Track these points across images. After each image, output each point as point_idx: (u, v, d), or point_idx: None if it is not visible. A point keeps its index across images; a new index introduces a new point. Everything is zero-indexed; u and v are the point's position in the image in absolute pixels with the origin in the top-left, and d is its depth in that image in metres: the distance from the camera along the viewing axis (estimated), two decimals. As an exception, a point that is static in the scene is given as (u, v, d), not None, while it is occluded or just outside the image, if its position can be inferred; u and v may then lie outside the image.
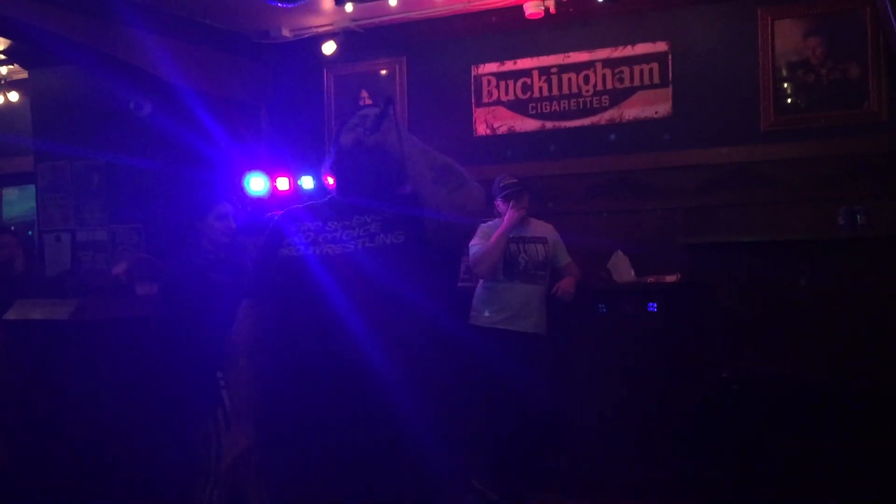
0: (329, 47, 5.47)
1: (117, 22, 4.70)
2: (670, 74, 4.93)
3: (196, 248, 3.62)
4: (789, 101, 4.70)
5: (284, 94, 5.83)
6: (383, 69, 5.65)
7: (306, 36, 5.53)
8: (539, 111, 5.23)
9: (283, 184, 5.05)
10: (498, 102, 5.33)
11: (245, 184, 4.87)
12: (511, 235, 4.54)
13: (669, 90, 4.93)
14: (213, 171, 4.92)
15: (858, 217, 4.34)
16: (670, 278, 4.68)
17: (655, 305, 4.53)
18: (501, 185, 4.52)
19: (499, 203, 4.53)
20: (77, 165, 5.86)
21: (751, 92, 4.74)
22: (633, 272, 4.80)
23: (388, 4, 5.03)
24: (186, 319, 3.48)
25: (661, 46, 4.95)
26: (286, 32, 5.51)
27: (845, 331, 4.29)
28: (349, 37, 5.47)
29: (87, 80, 5.60)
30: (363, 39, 5.52)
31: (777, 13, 4.69)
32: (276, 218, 2.35)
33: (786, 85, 4.71)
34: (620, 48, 5.04)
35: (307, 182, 5.20)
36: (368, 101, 5.66)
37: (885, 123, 4.48)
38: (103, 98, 5.57)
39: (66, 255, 5.62)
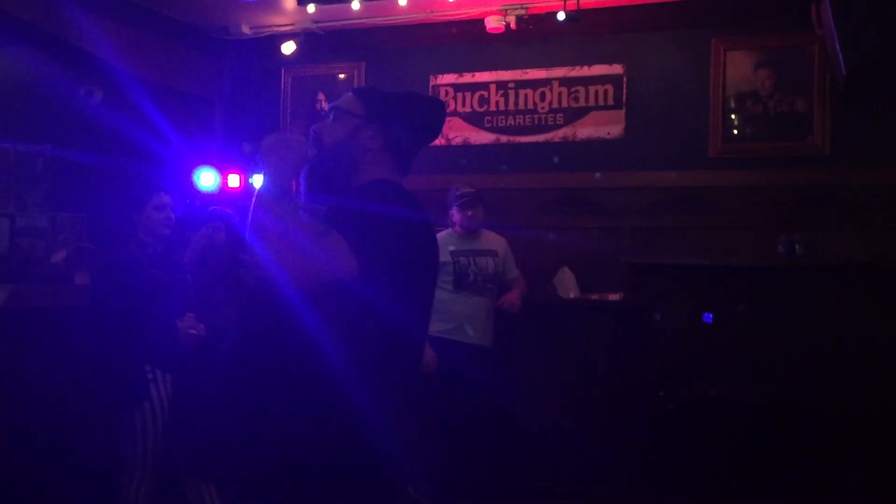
0: (288, 47, 5.43)
1: (62, 2, 4.59)
2: (624, 97, 5.03)
3: (135, 240, 3.56)
4: (737, 130, 4.84)
5: (240, 91, 5.77)
6: (342, 73, 5.64)
7: (266, 34, 5.49)
8: (494, 125, 5.28)
9: (234, 181, 4.99)
10: (454, 114, 5.36)
11: (195, 179, 4.79)
12: (462, 248, 4.57)
13: (623, 112, 5.03)
14: (161, 165, 4.83)
15: (797, 246, 4.48)
16: (614, 296, 4.76)
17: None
18: (457, 193, 4.54)
19: (454, 212, 4.56)
20: (19, 151, 5.69)
21: (701, 119, 4.86)
22: (577, 289, 4.86)
23: (351, 8, 5.03)
24: (120, 311, 3.42)
25: (616, 69, 5.05)
26: (245, 29, 5.46)
27: (781, 354, 4.41)
28: (309, 38, 5.45)
29: (33, 66, 5.45)
30: (323, 42, 5.50)
31: (730, 44, 4.83)
32: None
33: (734, 115, 4.85)
34: (577, 68, 5.12)
35: (259, 180, 5.14)
36: (325, 105, 5.65)
37: (826, 157, 4.64)
38: (49, 86, 5.43)
39: (5, 241, 5.45)
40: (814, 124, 4.67)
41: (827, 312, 4.37)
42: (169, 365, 3.50)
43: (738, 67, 4.81)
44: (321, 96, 5.66)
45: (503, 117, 5.27)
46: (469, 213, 4.54)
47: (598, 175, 5.00)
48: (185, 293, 3.62)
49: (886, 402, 4.12)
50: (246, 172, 5.10)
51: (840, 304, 4.34)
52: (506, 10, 4.99)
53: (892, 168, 4.51)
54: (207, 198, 4.73)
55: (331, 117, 2.08)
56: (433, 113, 2.16)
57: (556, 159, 5.11)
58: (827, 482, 4.03)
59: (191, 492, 3.68)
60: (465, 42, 5.32)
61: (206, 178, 4.82)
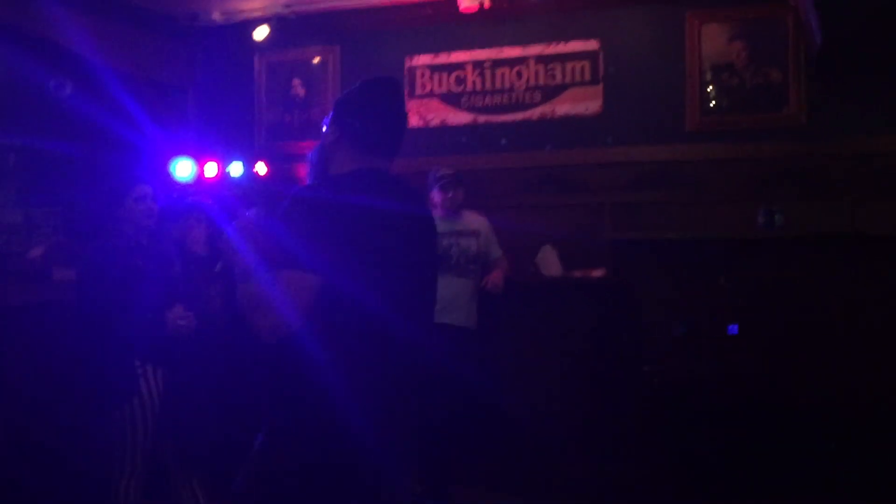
0: (261, 33, 5.37)
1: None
2: (601, 72, 5.01)
3: (118, 232, 3.52)
4: (713, 103, 4.84)
5: (213, 78, 5.72)
6: (316, 57, 5.58)
7: (237, 20, 5.43)
8: (472, 105, 5.25)
9: (210, 170, 4.94)
10: (431, 95, 5.33)
11: (171, 169, 4.74)
12: (444, 230, 4.56)
13: (600, 88, 5.02)
14: (137, 155, 4.78)
15: (776, 217, 4.50)
16: (597, 273, 4.77)
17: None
18: (437, 175, 4.53)
19: (434, 194, 4.54)
20: (-9, 145, 5.61)
21: (678, 93, 4.86)
22: (560, 267, 4.87)
23: (323, -9, 4.99)
24: (105, 306, 3.39)
25: (592, 45, 5.03)
26: (216, 16, 5.40)
27: (763, 327, 4.44)
28: (282, 23, 5.39)
29: (1, 57, 5.37)
30: (296, 26, 5.44)
31: (704, 17, 4.82)
32: None
33: (710, 87, 4.85)
34: (553, 45, 5.10)
35: (236, 169, 5.11)
36: (300, 90, 5.60)
37: (803, 127, 4.65)
38: (19, 77, 5.35)
39: (-21, 238, 5.38)
40: (789, 95, 4.68)
41: (807, 283, 4.40)
42: (159, 359, 3.48)
43: (713, 40, 4.81)
44: (296, 81, 5.61)
45: (480, 97, 5.24)
46: (450, 195, 4.53)
47: (577, 152, 5.00)
48: (172, 284, 3.60)
49: (868, 371, 4.17)
50: (223, 161, 5.06)
51: (821, 274, 4.37)
52: (479, -12, 4.96)
53: (868, 137, 4.53)
54: (184, 188, 4.68)
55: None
56: (381, 92, 2.22)
57: (542, 134, 5.11)
58: (811, 457, 4.07)
59: (181, 489, 3.67)
60: (440, 22, 5.28)
61: (183, 168, 4.77)
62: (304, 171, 5.52)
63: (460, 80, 5.28)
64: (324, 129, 2.21)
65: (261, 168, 5.28)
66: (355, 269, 1.93)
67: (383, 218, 2.04)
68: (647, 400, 4.44)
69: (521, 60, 5.16)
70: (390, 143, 2.18)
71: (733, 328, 4.40)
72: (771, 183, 4.67)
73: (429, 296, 2.24)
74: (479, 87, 5.24)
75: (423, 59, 5.35)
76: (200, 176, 4.90)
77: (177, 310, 3.50)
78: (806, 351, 4.32)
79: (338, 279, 1.90)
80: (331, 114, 2.20)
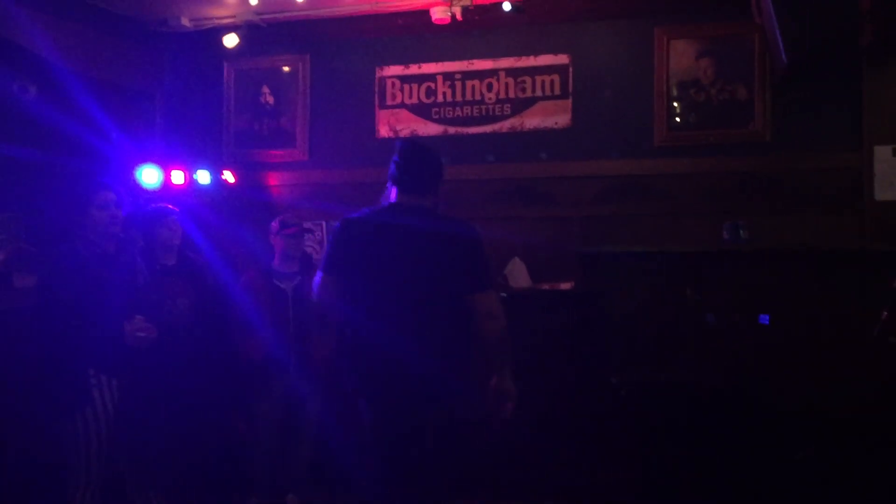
0: (230, 40, 5.33)
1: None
2: (570, 86, 5.05)
3: (82, 240, 3.45)
4: (680, 118, 4.90)
5: (181, 85, 5.66)
6: (286, 66, 5.56)
7: (207, 27, 5.38)
8: (442, 116, 5.26)
9: (177, 177, 4.90)
10: (401, 105, 5.33)
11: (137, 176, 4.69)
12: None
13: (569, 102, 5.06)
14: (102, 162, 4.71)
15: (741, 231, 4.57)
16: (565, 285, 4.79)
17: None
18: None
19: None
20: (-49, 150, 5.49)
21: (646, 107, 4.92)
22: (529, 279, 4.88)
23: (294, 0, 4.96)
24: (64, 314, 3.32)
25: (562, 59, 5.07)
26: (185, 22, 5.34)
27: (728, 338, 4.49)
28: (252, 30, 5.36)
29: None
30: (266, 34, 5.41)
31: (672, 33, 4.89)
32: None
33: (677, 103, 4.91)
34: (524, 58, 5.13)
35: (203, 176, 5.06)
36: (270, 98, 5.57)
37: (768, 143, 4.73)
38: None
39: (-63, 244, 5.26)
40: (755, 111, 4.75)
41: (771, 295, 4.46)
42: (115, 369, 3.41)
43: (681, 56, 4.87)
44: (265, 89, 5.57)
45: (450, 109, 5.25)
46: None
47: (547, 165, 5.03)
48: (136, 294, 3.54)
49: (830, 380, 4.23)
50: (190, 168, 5.01)
51: (784, 287, 4.43)
52: (451, 0, 4.97)
53: (832, 153, 4.62)
54: (151, 195, 4.63)
55: None
56: (415, 150, 3.16)
57: (511, 147, 5.13)
58: (775, 466, 4.12)
59: (137, 501, 3.61)
60: (411, 33, 5.29)
61: (149, 176, 4.72)
62: (273, 180, 5.50)
63: (431, 92, 5.29)
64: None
65: (229, 176, 5.24)
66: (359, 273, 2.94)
67: (398, 234, 2.97)
68: (614, 411, 4.46)
69: (492, 73, 5.19)
70: (424, 185, 3.09)
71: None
72: (736, 197, 4.74)
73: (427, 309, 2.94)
74: (449, 98, 5.25)
75: (393, 70, 5.35)
76: (167, 183, 4.85)
77: (136, 321, 3.42)
78: (771, 360, 4.37)
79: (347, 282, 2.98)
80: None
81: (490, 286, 3.01)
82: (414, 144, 3.18)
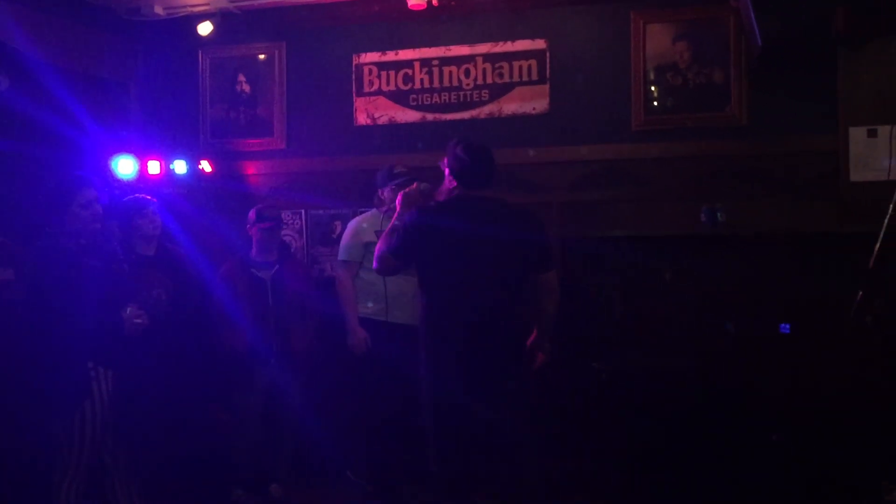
0: (205, 28, 5.28)
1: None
2: (548, 72, 5.05)
3: (63, 234, 3.44)
4: (657, 102, 4.91)
5: (156, 74, 5.60)
6: (262, 54, 5.51)
7: (180, 14, 5.32)
8: (420, 103, 5.24)
9: (154, 167, 4.85)
10: (379, 92, 5.30)
11: (113, 166, 4.64)
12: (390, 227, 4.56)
13: (547, 87, 5.05)
14: (77, 153, 4.66)
15: (719, 215, 4.59)
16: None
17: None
18: (394, 172, 4.50)
19: (386, 192, 4.50)
20: (-78, 142, 5.41)
21: (623, 92, 4.92)
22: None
23: (269, -13, 4.92)
24: (47, 306, 3.31)
25: (539, 44, 5.07)
26: (159, 10, 5.27)
27: (707, 322, 4.53)
28: (226, 18, 5.30)
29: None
30: (241, 22, 5.36)
31: (648, 17, 4.89)
32: None
33: (654, 87, 4.92)
34: (500, 44, 5.12)
35: (180, 166, 5.02)
36: (246, 86, 5.52)
37: (745, 127, 4.75)
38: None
39: None
40: (731, 95, 4.77)
41: (749, 279, 4.49)
42: (110, 361, 3.42)
43: (657, 40, 4.88)
44: (241, 78, 5.53)
45: (428, 95, 5.24)
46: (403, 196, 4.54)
47: (531, 153, 5.03)
48: (121, 282, 3.54)
49: (808, 365, 4.27)
50: (166, 158, 4.96)
51: (762, 270, 4.47)
52: (427, -14, 4.95)
53: (808, 136, 4.65)
54: (127, 186, 4.59)
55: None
56: (482, 158, 3.53)
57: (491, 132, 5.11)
58: (752, 449, 4.16)
59: (118, 492, 3.60)
60: (388, 19, 5.26)
61: (125, 166, 4.67)
62: (251, 169, 5.47)
63: (408, 79, 5.27)
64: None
65: (206, 166, 5.20)
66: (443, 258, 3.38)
67: (477, 220, 3.38)
68: (595, 395, 4.48)
69: (469, 59, 5.17)
70: (487, 180, 3.50)
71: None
72: (714, 181, 4.76)
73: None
74: (427, 85, 5.23)
75: (370, 57, 5.32)
76: (143, 174, 4.81)
77: (132, 309, 3.45)
78: (747, 346, 4.41)
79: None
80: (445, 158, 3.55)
81: (553, 266, 3.56)
82: (479, 146, 3.53)
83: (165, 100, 5.56)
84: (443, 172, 3.59)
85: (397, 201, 3.67)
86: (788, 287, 4.42)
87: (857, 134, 4.50)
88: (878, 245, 3.47)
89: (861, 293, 3.48)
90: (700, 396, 4.29)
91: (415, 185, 3.72)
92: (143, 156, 4.82)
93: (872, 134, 4.47)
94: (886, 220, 3.47)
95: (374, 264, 3.58)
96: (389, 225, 3.64)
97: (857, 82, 4.51)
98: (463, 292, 3.37)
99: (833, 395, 4.17)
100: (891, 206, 3.47)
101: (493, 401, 3.36)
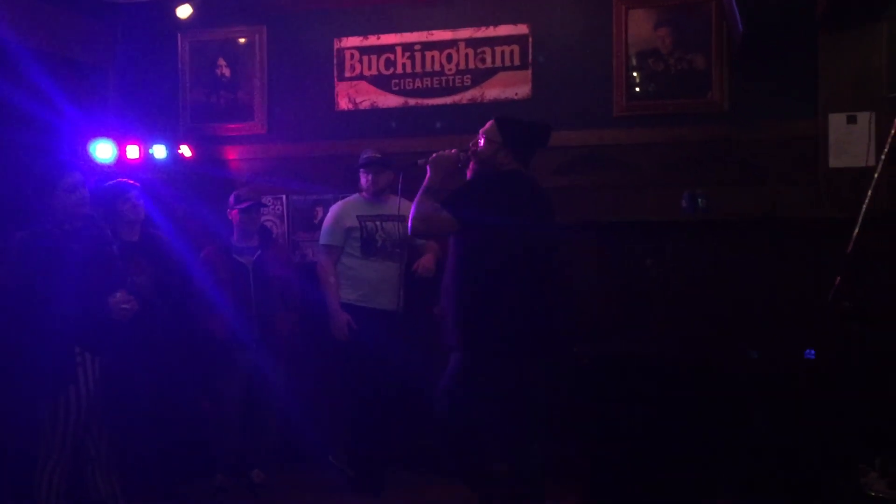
0: (184, 11, 5.21)
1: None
2: (530, 57, 5.04)
3: (48, 219, 3.42)
4: (639, 88, 4.92)
5: (135, 58, 5.53)
6: (242, 37, 5.46)
7: (160, -3, 5.26)
8: (402, 88, 5.22)
9: (132, 152, 4.80)
10: (361, 77, 5.27)
11: (91, 150, 4.59)
12: (369, 213, 4.55)
13: (529, 73, 5.05)
14: (55, 137, 4.60)
15: (700, 201, 4.61)
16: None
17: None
18: (364, 158, 4.55)
19: (360, 176, 4.56)
20: None
21: (605, 78, 4.92)
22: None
23: (249, -31, 4.87)
24: (36, 292, 3.29)
25: (522, 29, 5.05)
26: (138, -8, 5.22)
27: (687, 307, 4.55)
28: (206, 1, 5.25)
29: None
30: (221, 5, 5.31)
31: (631, 2, 4.88)
32: None
33: (636, 73, 4.92)
34: (483, 28, 5.10)
35: (159, 151, 4.97)
36: (226, 70, 5.47)
37: (726, 113, 4.76)
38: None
39: None
40: (713, 81, 4.78)
41: (730, 264, 4.52)
42: (98, 346, 3.40)
43: (640, 26, 4.88)
44: (222, 62, 5.48)
45: (410, 80, 5.21)
46: (371, 178, 4.54)
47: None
48: (111, 269, 3.52)
49: (787, 349, 4.30)
50: (145, 143, 4.92)
51: (743, 256, 4.49)
52: (409, -30, 4.92)
53: (789, 122, 4.67)
54: (105, 170, 4.54)
55: (481, 141, 3.60)
56: (544, 134, 3.70)
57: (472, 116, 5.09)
58: (732, 437, 4.19)
59: (99, 478, 3.59)
60: (369, 4, 5.23)
61: (103, 150, 4.62)
62: (232, 154, 5.42)
63: (390, 63, 5.24)
64: (491, 143, 3.58)
65: (186, 150, 5.15)
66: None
67: (519, 205, 3.43)
68: (576, 380, 4.50)
69: (452, 44, 5.15)
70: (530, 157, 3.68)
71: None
72: (696, 167, 4.77)
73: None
74: (409, 69, 5.21)
75: (352, 41, 5.29)
76: (122, 158, 4.76)
77: (120, 295, 3.42)
78: (730, 331, 4.44)
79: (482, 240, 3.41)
80: (498, 133, 3.61)
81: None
82: (542, 125, 3.72)
83: (144, 84, 5.50)
84: (473, 151, 3.61)
85: (429, 163, 3.64)
86: (769, 272, 4.45)
87: (836, 120, 4.53)
88: (856, 231, 3.51)
89: (839, 278, 3.52)
90: (680, 382, 4.31)
91: (454, 150, 3.67)
92: (121, 140, 4.77)
93: (852, 120, 4.50)
94: (864, 207, 3.51)
95: (414, 225, 3.53)
96: (423, 187, 3.59)
97: (837, 68, 4.53)
98: (536, 284, 3.43)
99: (810, 378, 4.21)
100: (869, 191, 3.52)
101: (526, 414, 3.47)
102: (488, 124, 3.65)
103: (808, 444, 4.13)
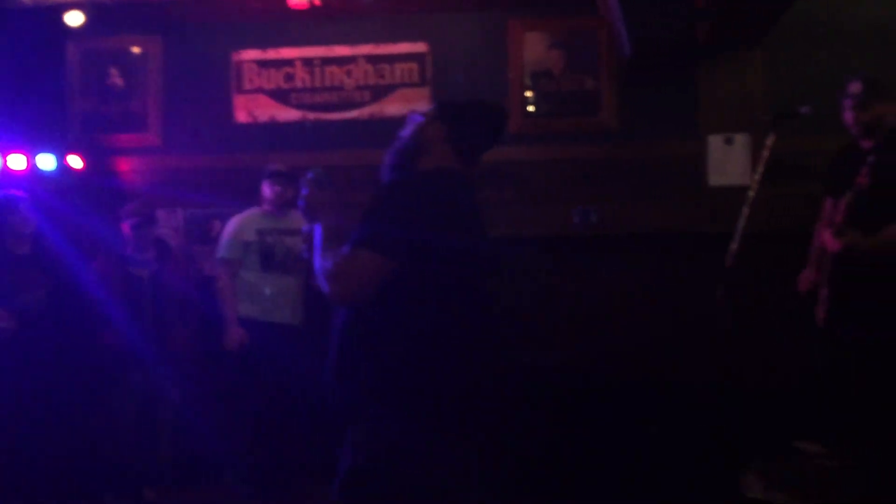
0: (74, 18, 5.05)
1: None
2: (429, 75, 5.14)
3: None
4: (533, 107, 5.09)
5: (20, 65, 5.31)
6: (136, 47, 5.34)
7: (48, 3, 5.08)
8: (301, 102, 5.22)
9: (17, 162, 4.63)
10: (259, 90, 5.25)
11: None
12: (269, 227, 4.54)
13: (428, 90, 5.14)
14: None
15: (591, 216, 4.81)
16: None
17: None
18: (270, 170, 4.53)
19: (264, 188, 4.52)
20: None
21: (501, 96, 5.05)
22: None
23: (144, -22, 4.78)
24: None
25: (420, 47, 5.15)
26: (25, -3, 5.03)
27: (581, 319, 4.72)
28: (98, 9, 5.10)
29: None
30: (114, 13, 5.17)
31: (526, 25, 5.06)
32: None
33: (530, 92, 5.09)
34: (382, 45, 5.17)
35: (46, 161, 4.80)
36: (119, 80, 5.34)
37: (615, 132, 4.99)
38: None
39: None
40: (602, 102, 5.00)
41: (620, 276, 4.72)
42: None
43: (534, 47, 5.06)
44: (114, 71, 5.34)
45: (310, 94, 5.22)
46: (279, 191, 4.52)
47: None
48: None
49: (684, 358, 4.50)
50: (31, 153, 4.74)
51: (632, 269, 4.70)
52: (309, -14, 4.94)
53: (673, 142, 4.93)
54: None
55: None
56: (497, 116, 2.51)
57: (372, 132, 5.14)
58: (617, 442, 4.33)
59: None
60: (269, 18, 5.21)
61: (-14, 160, 4.44)
62: (125, 165, 5.29)
63: (289, 77, 5.24)
64: (416, 124, 2.42)
65: (75, 161, 4.99)
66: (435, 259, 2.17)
67: (462, 215, 2.32)
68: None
69: (351, 59, 5.19)
70: (478, 154, 2.44)
71: None
72: (588, 184, 4.97)
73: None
74: (308, 84, 5.22)
75: (251, 54, 5.26)
76: (5, 168, 4.58)
77: None
78: (617, 337, 4.62)
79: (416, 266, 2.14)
80: (436, 109, 2.43)
81: None
82: (496, 108, 2.55)
83: (30, 91, 5.29)
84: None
85: (301, 210, 2.40)
86: (659, 285, 4.66)
87: (714, 141, 4.82)
88: (734, 245, 3.73)
89: (721, 288, 3.73)
90: (579, 392, 4.45)
91: (309, 174, 2.44)
92: (4, 149, 4.59)
93: (730, 141, 4.79)
94: (741, 223, 3.74)
95: (332, 291, 2.22)
96: (316, 244, 2.34)
97: (715, 91, 4.83)
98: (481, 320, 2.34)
99: (701, 384, 4.37)
100: (744, 209, 3.75)
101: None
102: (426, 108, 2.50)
103: (687, 446, 4.31)
